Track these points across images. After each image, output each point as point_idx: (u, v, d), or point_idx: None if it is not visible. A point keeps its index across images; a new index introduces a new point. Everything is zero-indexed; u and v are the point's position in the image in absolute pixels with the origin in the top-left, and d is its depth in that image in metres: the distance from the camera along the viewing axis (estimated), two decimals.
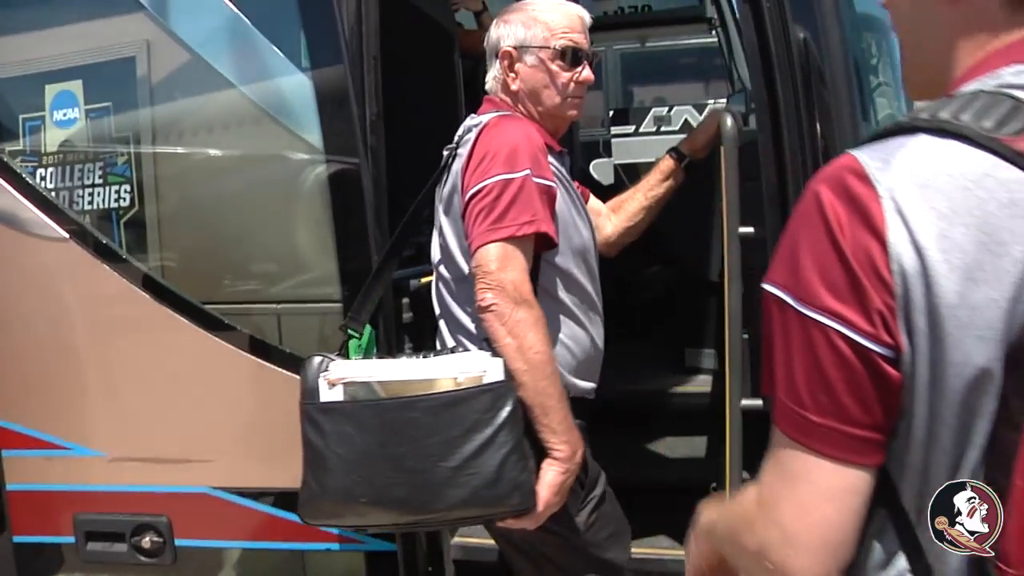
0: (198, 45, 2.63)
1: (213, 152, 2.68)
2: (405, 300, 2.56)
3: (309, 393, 1.96)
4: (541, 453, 1.99)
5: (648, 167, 2.62)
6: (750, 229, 2.42)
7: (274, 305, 2.53)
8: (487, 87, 2.28)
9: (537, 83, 2.19)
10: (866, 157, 0.88)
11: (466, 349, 2.06)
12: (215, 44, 2.61)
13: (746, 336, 2.53)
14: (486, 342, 2.01)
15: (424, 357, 1.97)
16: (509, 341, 1.93)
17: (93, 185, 2.80)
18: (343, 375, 1.94)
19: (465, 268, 2.07)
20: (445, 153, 2.19)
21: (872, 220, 0.85)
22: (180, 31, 2.66)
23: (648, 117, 5.91)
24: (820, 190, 0.89)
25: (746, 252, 2.45)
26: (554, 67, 2.18)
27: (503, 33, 2.21)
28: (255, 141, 2.60)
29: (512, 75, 2.20)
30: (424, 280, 2.72)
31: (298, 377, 2.01)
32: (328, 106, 2.37)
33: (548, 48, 2.17)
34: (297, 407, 1.99)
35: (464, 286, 2.08)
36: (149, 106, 2.74)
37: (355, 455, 1.91)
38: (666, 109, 8.88)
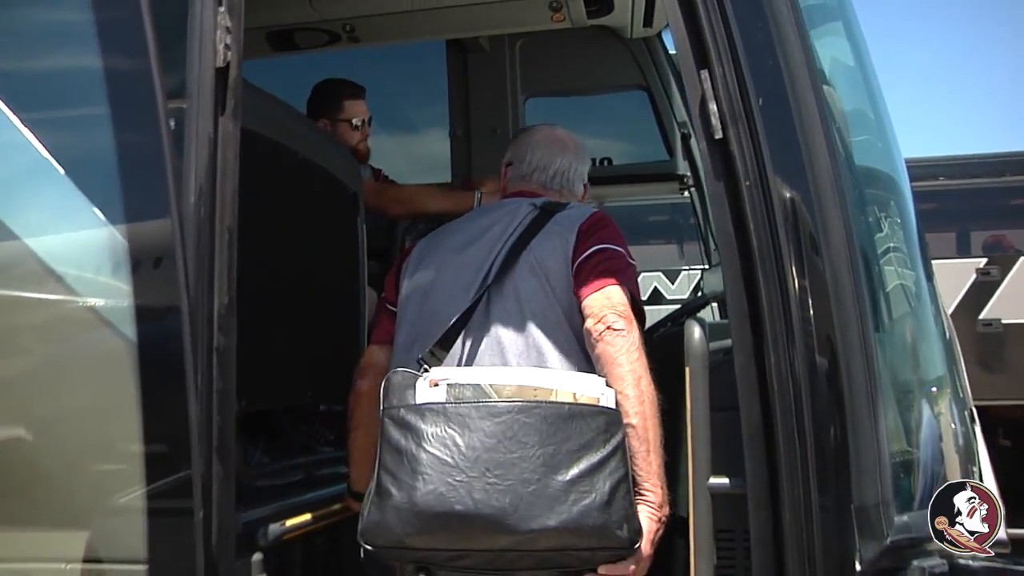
0: None
1: None
2: (257, 556, 1.88)
3: (398, 395, 1.85)
4: None
5: None
6: (724, 481, 1.79)
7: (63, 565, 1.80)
8: (556, 185, 2.37)
9: None
10: None
11: None
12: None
13: None
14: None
15: None
16: (633, 367, 1.90)
17: None
18: (447, 375, 1.84)
19: (563, 319, 2.04)
20: (516, 219, 2.15)
21: None
22: None
23: None
24: None
25: (718, 508, 1.82)
26: None
27: (583, 170, 2.43)
28: (49, 332, 1.93)
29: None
30: (290, 523, 2.04)
31: None
32: (153, 297, 1.73)
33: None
34: None
35: (567, 334, 2.04)
36: None
37: (456, 458, 1.78)
38: None
